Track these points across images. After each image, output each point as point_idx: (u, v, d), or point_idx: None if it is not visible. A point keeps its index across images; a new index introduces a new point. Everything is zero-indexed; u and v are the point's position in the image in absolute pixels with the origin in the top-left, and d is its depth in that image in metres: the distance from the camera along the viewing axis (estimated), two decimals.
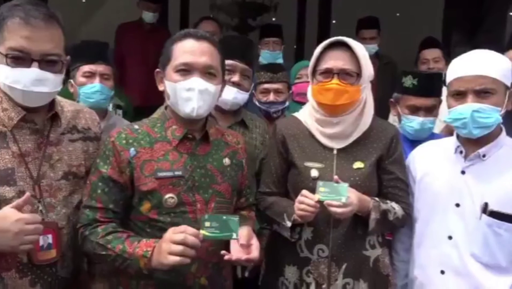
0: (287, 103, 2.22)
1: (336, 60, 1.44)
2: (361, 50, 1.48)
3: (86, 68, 2.00)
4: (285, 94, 2.19)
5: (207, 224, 1.17)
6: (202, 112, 1.31)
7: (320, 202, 1.34)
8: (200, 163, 1.32)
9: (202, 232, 1.17)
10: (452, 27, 4.09)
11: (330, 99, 1.45)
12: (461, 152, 1.47)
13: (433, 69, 2.89)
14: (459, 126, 1.40)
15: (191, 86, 1.27)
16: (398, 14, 7.69)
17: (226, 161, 1.38)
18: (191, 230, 1.16)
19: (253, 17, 7.81)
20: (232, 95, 1.76)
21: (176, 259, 1.14)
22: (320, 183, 1.36)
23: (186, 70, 1.28)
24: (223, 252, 1.25)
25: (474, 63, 1.39)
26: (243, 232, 1.33)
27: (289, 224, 1.45)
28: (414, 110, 1.81)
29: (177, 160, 1.30)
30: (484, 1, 3.87)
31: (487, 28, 3.73)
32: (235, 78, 1.78)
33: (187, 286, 1.29)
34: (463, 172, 1.45)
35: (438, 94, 1.83)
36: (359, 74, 1.45)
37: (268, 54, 3.05)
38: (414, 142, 1.78)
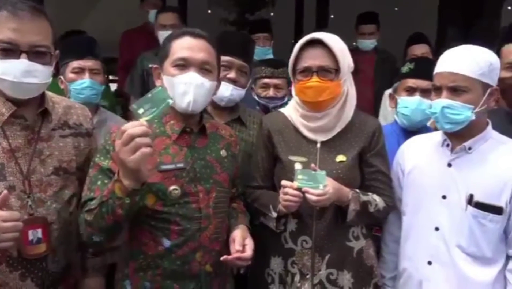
0: (285, 99, 2.20)
1: (313, 58, 1.46)
2: (337, 45, 1.48)
3: (75, 64, 2.00)
4: (284, 89, 2.18)
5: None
6: (198, 107, 1.34)
7: (303, 193, 1.37)
8: (200, 155, 1.36)
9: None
10: (447, 21, 4.09)
11: (311, 97, 1.48)
12: (447, 145, 1.49)
13: None
14: (435, 120, 1.45)
15: (188, 80, 1.30)
16: (396, 9, 7.67)
17: (223, 152, 1.43)
18: (131, 124, 1.12)
19: (251, 12, 7.79)
20: (228, 92, 1.75)
21: (137, 155, 1.09)
22: (298, 171, 1.40)
23: (183, 65, 1.31)
24: (223, 258, 1.30)
25: (450, 60, 1.41)
26: (238, 233, 1.38)
27: (274, 214, 1.49)
28: (411, 92, 1.85)
29: (178, 153, 1.33)
30: None
31: (482, 23, 3.73)
32: (232, 74, 1.77)
33: (194, 274, 1.33)
34: (449, 165, 1.48)
35: None
36: (337, 70, 1.47)
37: (258, 50, 3.03)
38: (409, 135, 1.79)
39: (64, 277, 1.35)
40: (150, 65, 1.41)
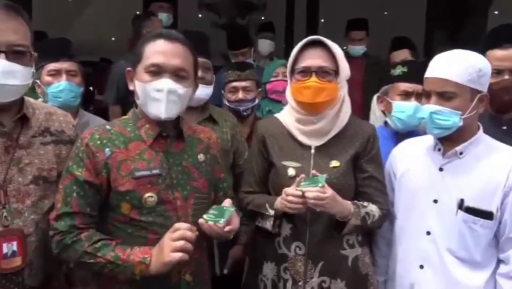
0: (256, 101, 2.22)
1: (313, 59, 1.46)
2: (337, 49, 1.49)
3: (51, 66, 1.92)
4: (254, 92, 2.19)
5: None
6: (171, 115, 1.29)
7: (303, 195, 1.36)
8: (176, 160, 1.32)
9: (204, 216, 1.27)
10: (435, 25, 4.12)
11: (309, 97, 1.47)
12: (439, 149, 1.48)
13: None
14: (424, 125, 1.44)
15: (161, 87, 1.25)
16: (386, 13, 7.72)
17: (201, 156, 1.38)
18: (186, 225, 1.21)
19: (242, 16, 7.79)
20: (197, 91, 1.75)
21: (179, 254, 1.16)
22: (302, 180, 1.40)
23: (157, 71, 1.26)
24: (200, 220, 1.25)
25: (439, 66, 1.42)
26: (229, 201, 1.35)
27: (271, 212, 1.48)
28: (406, 96, 1.81)
29: (153, 159, 1.28)
30: None
31: (470, 26, 3.76)
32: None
33: (173, 284, 1.29)
34: (441, 169, 1.47)
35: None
36: (336, 72, 1.47)
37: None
38: (399, 138, 1.78)
39: None
40: (128, 68, 1.36)
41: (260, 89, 2.27)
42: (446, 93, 1.38)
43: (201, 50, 1.78)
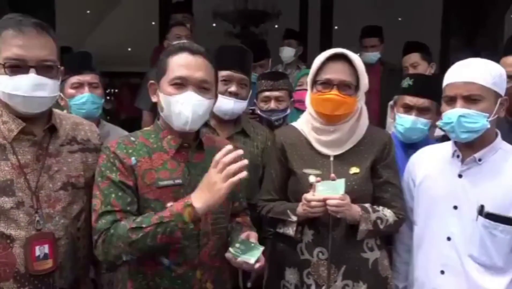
0: (288, 111, 2.22)
1: (336, 72, 1.50)
2: (360, 63, 1.53)
3: (74, 79, 1.98)
4: (286, 101, 2.19)
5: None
6: (195, 126, 1.33)
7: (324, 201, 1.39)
8: (197, 170, 1.34)
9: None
10: (451, 31, 4.10)
11: (329, 109, 1.51)
12: (458, 156, 1.49)
13: None
14: (449, 130, 1.44)
15: (185, 100, 1.29)
16: (400, 19, 7.70)
17: None
18: (225, 150, 1.19)
19: (255, 25, 7.85)
20: (230, 105, 1.80)
21: (234, 179, 1.15)
22: (318, 184, 1.42)
23: (181, 84, 1.30)
24: (227, 254, 1.27)
25: (464, 70, 1.43)
26: (252, 234, 1.36)
27: (294, 218, 1.51)
28: (407, 109, 1.83)
29: (176, 169, 1.32)
30: (482, 4, 3.87)
31: (486, 32, 3.73)
32: (232, 88, 1.81)
33: None
34: (460, 176, 1.48)
35: (433, 96, 1.82)
36: (357, 86, 1.51)
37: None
38: (409, 148, 1.80)
39: None
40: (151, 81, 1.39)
41: (292, 99, 2.26)
42: (473, 96, 1.39)
43: (241, 66, 1.82)
